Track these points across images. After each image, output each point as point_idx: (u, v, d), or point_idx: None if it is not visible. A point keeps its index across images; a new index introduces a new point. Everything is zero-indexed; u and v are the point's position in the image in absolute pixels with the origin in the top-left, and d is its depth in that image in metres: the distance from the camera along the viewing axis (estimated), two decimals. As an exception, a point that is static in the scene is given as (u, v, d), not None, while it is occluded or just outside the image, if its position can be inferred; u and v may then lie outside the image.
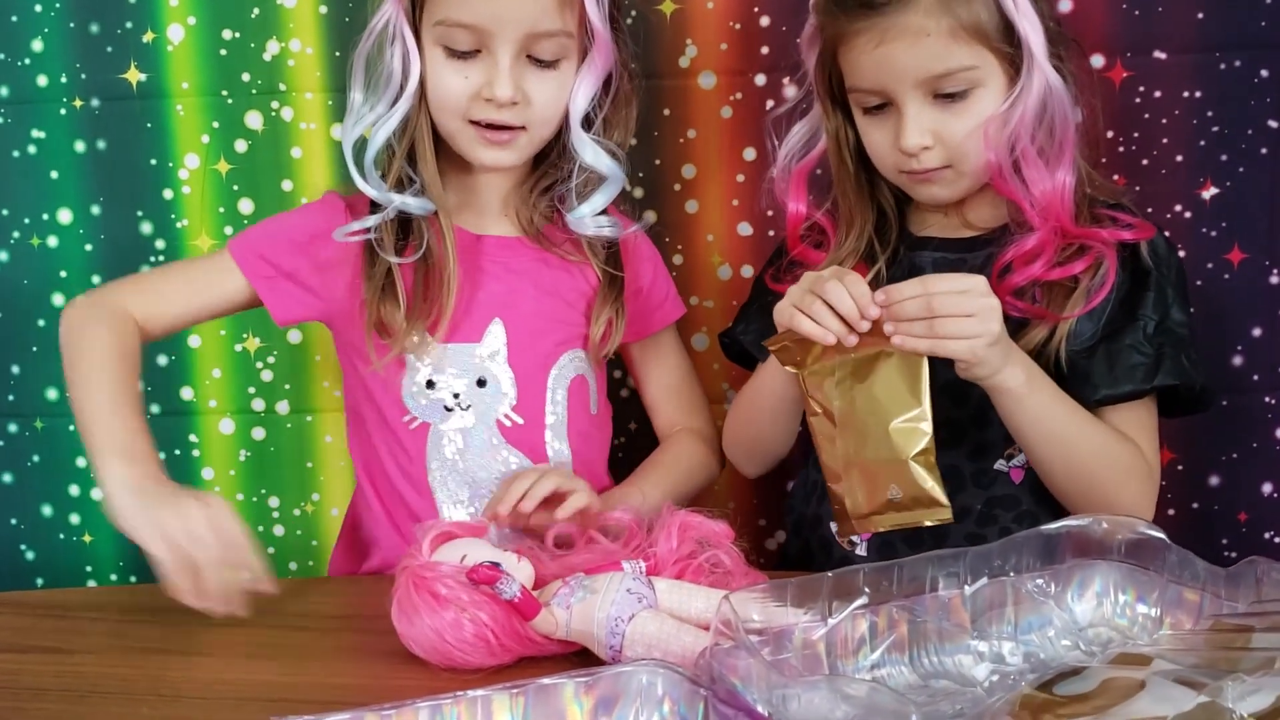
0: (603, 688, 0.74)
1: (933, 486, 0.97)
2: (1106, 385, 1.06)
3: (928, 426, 0.97)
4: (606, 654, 0.85)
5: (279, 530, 1.52)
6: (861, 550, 1.12)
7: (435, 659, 0.86)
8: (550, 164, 1.19)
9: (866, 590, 0.83)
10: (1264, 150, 1.32)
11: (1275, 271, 1.34)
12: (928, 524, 0.97)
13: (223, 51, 1.42)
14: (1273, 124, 1.32)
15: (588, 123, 1.15)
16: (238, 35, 1.42)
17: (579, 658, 0.89)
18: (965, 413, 1.10)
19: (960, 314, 0.94)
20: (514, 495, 1.03)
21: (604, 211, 1.18)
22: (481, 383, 1.16)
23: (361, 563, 1.22)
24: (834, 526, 1.02)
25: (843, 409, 0.99)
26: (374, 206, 1.15)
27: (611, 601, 0.85)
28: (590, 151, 1.14)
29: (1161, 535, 0.89)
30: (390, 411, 1.17)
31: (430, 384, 1.16)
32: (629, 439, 1.40)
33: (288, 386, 1.49)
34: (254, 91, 1.43)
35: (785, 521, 1.29)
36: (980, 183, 1.10)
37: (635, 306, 1.23)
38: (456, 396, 1.15)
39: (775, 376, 1.10)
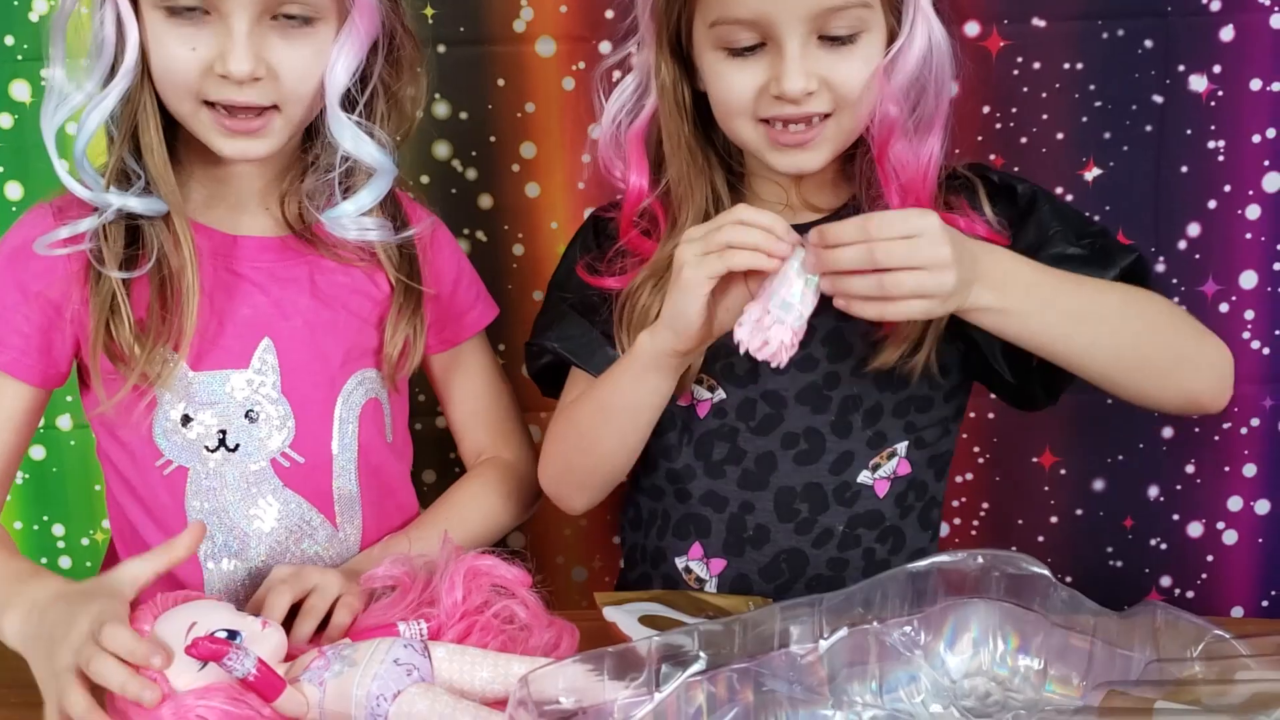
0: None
1: None
2: None
3: None
4: (366, 740, 0.72)
5: (65, 561, 1.37)
6: (711, 587, 0.99)
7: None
8: (320, 147, 0.99)
9: (702, 654, 0.71)
10: (1149, 128, 1.25)
11: (1162, 259, 1.27)
12: None
13: (-20, 11, 1.25)
14: (1157, 99, 1.24)
15: (353, 102, 0.96)
16: (-3, -9, 1.25)
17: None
18: (825, 420, 0.98)
19: (909, 266, 0.81)
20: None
21: (381, 209, 1.00)
22: (251, 416, 0.99)
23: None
24: None
25: None
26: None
27: (373, 675, 0.72)
28: (350, 137, 0.95)
29: (1045, 571, 0.79)
30: (141, 453, 0.98)
31: (186, 420, 0.98)
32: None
33: (70, 398, 1.30)
34: (19, 58, 1.27)
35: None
36: (846, 148, 0.96)
37: (437, 312, 1.06)
38: (222, 434, 0.98)
39: (638, 378, 0.93)
